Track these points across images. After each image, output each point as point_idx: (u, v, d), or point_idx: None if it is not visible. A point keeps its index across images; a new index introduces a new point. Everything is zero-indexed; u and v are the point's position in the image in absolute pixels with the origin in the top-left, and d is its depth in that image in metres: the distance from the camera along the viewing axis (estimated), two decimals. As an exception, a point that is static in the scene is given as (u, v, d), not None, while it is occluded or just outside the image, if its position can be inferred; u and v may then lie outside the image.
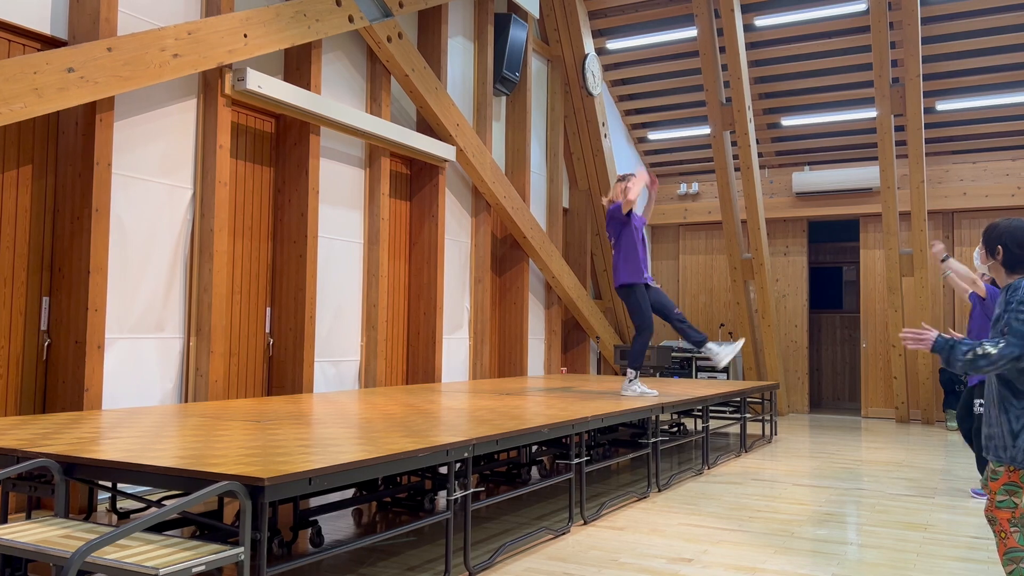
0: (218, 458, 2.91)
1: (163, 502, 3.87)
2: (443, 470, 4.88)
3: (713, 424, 9.17)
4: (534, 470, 6.40)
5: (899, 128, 10.33)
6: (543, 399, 5.76)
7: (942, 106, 10.23)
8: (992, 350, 2.90)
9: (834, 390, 12.71)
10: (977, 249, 3.23)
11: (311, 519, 4.14)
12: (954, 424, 9.81)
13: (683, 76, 10.97)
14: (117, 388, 5.11)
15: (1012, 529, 3.01)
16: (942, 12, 9.25)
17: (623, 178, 6.36)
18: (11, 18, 4.62)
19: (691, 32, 10.24)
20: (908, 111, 9.39)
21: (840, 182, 11.10)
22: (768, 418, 8.62)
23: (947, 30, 9.41)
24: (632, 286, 6.24)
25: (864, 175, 10.92)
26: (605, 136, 10.62)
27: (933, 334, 3.06)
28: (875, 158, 11.16)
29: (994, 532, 3.05)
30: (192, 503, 2.48)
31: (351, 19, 6.50)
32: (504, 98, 9.40)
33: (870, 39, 9.58)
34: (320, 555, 3.00)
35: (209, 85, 5.65)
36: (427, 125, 7.83)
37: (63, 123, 4.92)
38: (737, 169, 10.95)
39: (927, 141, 10.61)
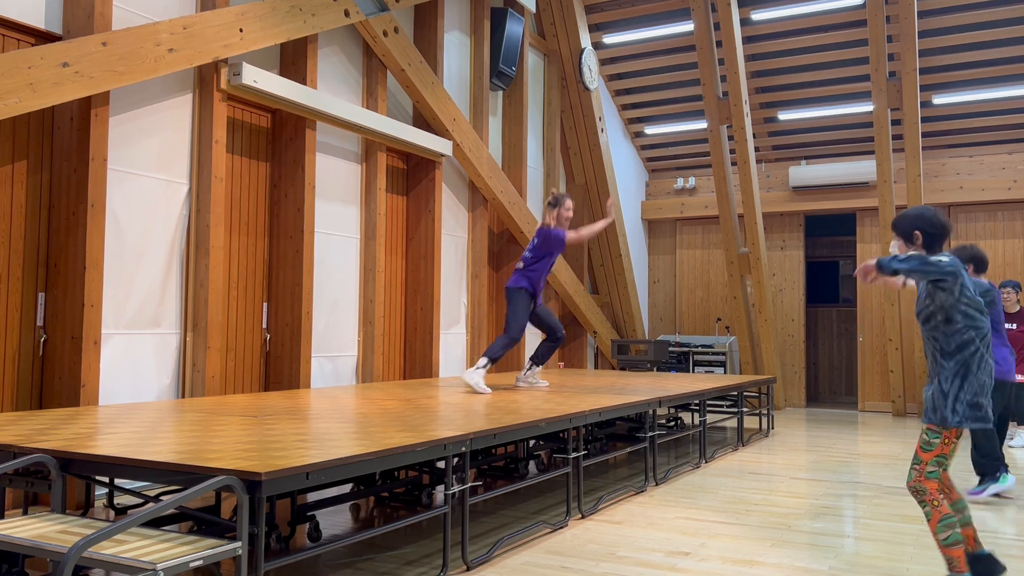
0: (215, 453, 2.91)
1: (160, 497, 3.87)
2: (441, 465, 4.89)
3: (710, 418, 9.18)
4: (532, 464, 6.41)
5: (896, 122, 10.33)
6: (540, 393, 5.76)
7: (938, 100, 10.23)
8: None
9: (831, 384, 12.73)
10: (893, 243, 3.45)
11: (309, 514, 4.14)
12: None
13: (680, 70, 10.97)
14: (113, 384, 5.10)
15: (941, 497, 3.18)
16: (938, 6, 9.25)
17: (556, 203, 6.10)
18: (5, 13, 4.60)
19: (688, 26, 10.23)
20: (904, 105, 9.40)
21: (837, 176, 11.10)
22: (765, 412, 8.64)
23: (944, 24, 9.41)
24: (520, 290, 6.07)
25: (861, 169, 10.92)
26: (602, 131, 10.61)
27: (873, 260, 3.26)
28: (872, 152, 11.16)
29: (924, 502, 3.19)
30: (189, 498, 2.48)
31: (347, 13, 6.48)
32: (500, 93, 9.39)
33: (867, 33, 9.58)
34: (318, 549, 3.00)
35: (205, 80, 5.63)
36: (423, 120, 7.82)
37: (58, 118, 4.91)
38: (734, 163, 10.96)
39: (923, 135, 10.62)
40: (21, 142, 4.79)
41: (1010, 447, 7.76)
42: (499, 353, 5.97)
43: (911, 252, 3.34)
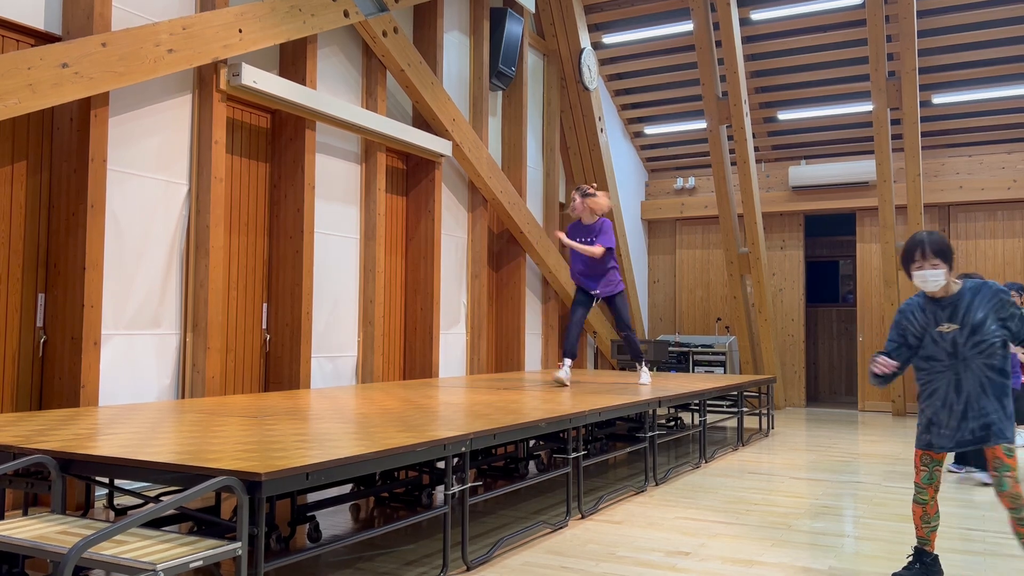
0: (215, 453, 2.91)
1: (160, 498, 3.87)
2: (441, 465, 4.89)
3: (710, 418, 9.18)
4: (531, 464, 6.41)
5: (895, 122, 10.33)
6: (540, 393, 5.76)
7: (938, 99, 10.23)
8: None
9: (831, 384, 12.73)
10: (937, 271, 3.28)
11: (309, 514, 4.14)
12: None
13: (679, 70, 10.97)
14: (113, 384, 5.10)
15: None
16: (938, 5, 9.25)
17: (586, 194, 6.58)
18: (5, 14, 4.60)
19: (687, 26, 10.23)
20: (904, 105, 9.40)
21: (836, 176, 11.11)
22: (765, 412, 8.64)
23: (943, 23, 9.41)
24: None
25: (860, 169, 10.93)
26: (601, 131, 10.62)
27: None
28: (871, 152, 11.16)
29: (1021, 507, 3.21)
30: (189, 498, 2.48)
31: (346, 14, 6.48)
32: (500, 93, 9.39)
33: (866, 33, 9.58)
34: (318, 550, 3.00)
35: (204, 80, 5.63)
36: (423, 120, 7.82)
37: (58, 119, 4.91)
38: (733, 163, 10.95)
39: (923, 135, 10.62)
40: (21, 143, 4.79)
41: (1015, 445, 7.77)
42: (567, 343, 6.59)
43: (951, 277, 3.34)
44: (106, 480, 4.16)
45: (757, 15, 9.87)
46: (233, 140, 6.10)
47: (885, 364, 3.33)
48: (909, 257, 3.31)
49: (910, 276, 3.32)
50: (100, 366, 4.94)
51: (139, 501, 4.41)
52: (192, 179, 5.63)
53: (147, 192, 5.34)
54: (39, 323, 4.85)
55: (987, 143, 10.69)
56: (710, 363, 11.14)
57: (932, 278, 3.28)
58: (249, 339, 6.17)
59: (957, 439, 3.30)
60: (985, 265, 10.66)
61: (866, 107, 10.58)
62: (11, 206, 4.72)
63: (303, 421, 3.95)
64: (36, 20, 4.76)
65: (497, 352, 9.35)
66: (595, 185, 6.79)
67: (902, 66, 9.29)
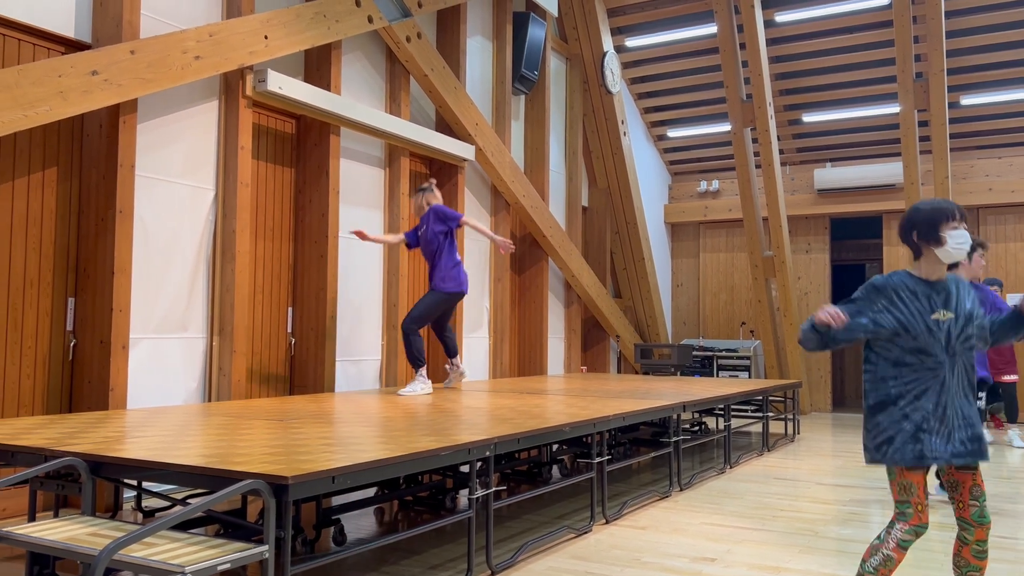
0: (242, 457, 2.93)
1: (188, 500, 3.90)
2: (465, 469, 4.89)
3: (735, 423, 9.11)
4: (555, 469, 6.39)
5: (923, 123, 10.21)
6: (564, 398, 5.75)
7: (967, 100, 10.10)
8: None
9: (857, 388, 12.59)
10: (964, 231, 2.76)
11: (334, 518, 4.16)
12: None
13: (703, 73, 10.92)
14: (142, 387, 5.16)
15: None
16: (966, 5, 9.13)
17: (423, 189, 6.21)
18: (36, 22, 4.68)
19: (711, 29, 10.18)
20: (932, 106, 9.29)
21: (863, 178, 11.00)
22: (791, 417, 8.56)
23: (971, 24, 9.29)
24: None
25: (887, 171, 10.81)
26: (624, 134, 10.59)
27: None
28: (898, 154, 11.04)
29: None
30: (216, 501, 2.50)
31: (370, 19, 6.52)
32: (523, 97, 9.39)
33: (893, 34, 9.48)
34: (343, 553, 3.01)
35: (230, 87, 5.68)
36: (446, 125, 7.84)
37: (87, 125, 4.98)
38: (758, 166, 10.88)
39: (951, 136, 10.48)
40: (52, 149, 4.86)
41: (1013, 446, 7.74)
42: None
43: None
44: (135, 482, 4.20)
45: (782, 17, 9.81)
46: (259, 146, 6.15)
47: (836, 316, 2.65)
48: (942, 216, 2.72)
49: (936, 241, 2.72)
50: (129, 369, 5.00)
51: (167, 503, 4.45)
52: (218, 184, 5.69)
53: (174, 197, 5.40)
54: (69, 327, 4.92)
55: (1018, 144, 10.54)
56: (735, 367, 11.06)
57: (967, 240, 2.73)
58: (274, 343, 6.22)
59: (951, 451, 2.70)
60: (1016, 269, 10.50)
61: (893, 109, 10.47)
62: (42, 211, 4.80)
63: (328, 425, 3.97)
64: (67, 28, 4.84)
65: (520, 356, 9.34)
66: (433, 180, 6.30)
67: (930, 67, 9.18)
